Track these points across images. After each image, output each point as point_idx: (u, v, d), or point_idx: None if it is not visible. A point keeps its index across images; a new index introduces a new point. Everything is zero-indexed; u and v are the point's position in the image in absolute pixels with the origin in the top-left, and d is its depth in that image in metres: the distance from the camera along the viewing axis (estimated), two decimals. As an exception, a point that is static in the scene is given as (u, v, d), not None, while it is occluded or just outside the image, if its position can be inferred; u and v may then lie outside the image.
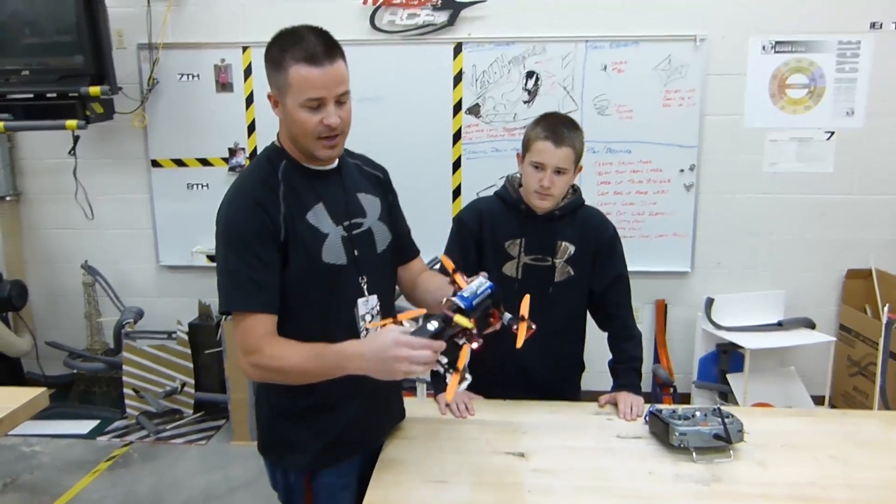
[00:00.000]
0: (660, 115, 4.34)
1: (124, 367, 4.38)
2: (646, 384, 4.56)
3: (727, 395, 4.41)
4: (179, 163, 4.57)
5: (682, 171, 4.39)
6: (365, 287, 1.91)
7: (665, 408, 2.11)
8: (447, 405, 2.31)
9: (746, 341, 4.20)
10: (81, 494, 3.73)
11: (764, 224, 4.46)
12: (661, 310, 4.59)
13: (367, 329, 1.91)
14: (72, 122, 4.09)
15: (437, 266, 2.49)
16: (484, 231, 2.44)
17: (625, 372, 2.45)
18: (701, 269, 4.53)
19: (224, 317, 1.90)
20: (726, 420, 1.98)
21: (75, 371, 4.60)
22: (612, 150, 4.40)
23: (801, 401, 4.38)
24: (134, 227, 4.67)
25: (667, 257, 4.51)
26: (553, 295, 2.43)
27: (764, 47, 4.26)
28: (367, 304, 1.91)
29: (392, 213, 2.08)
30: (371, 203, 1.98)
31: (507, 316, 1.85)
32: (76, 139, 4.33)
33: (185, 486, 3.80)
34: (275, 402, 1.94)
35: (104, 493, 3.73)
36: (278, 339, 1.78)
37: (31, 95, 4.16)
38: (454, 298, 1.72)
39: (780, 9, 4.21)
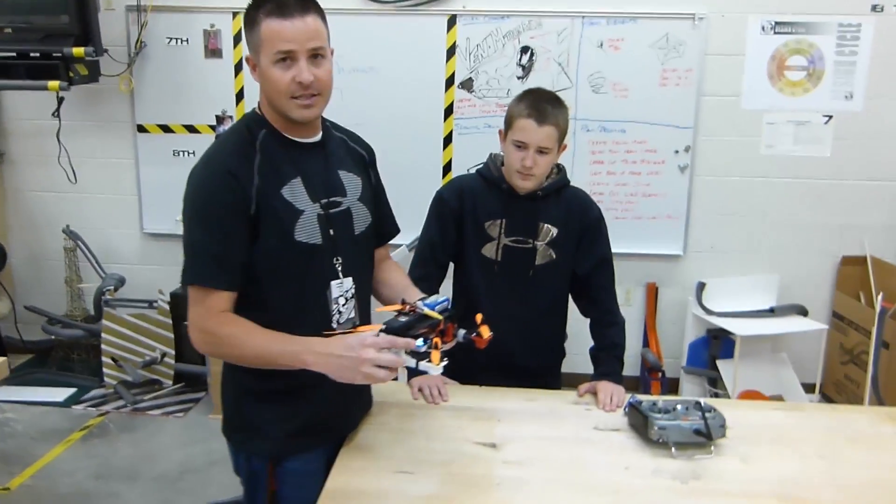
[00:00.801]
0: (656, 95, 4.17)
1: (103, 335, 4.24)
2: (634, 368, 4.47)
3: (716, 382, 4.28)
4: (166, 129, 4.40)
5: (676, 151, 4.23)
6: (340, 269, 1.79)
7: (645, 399, 1.99)
8: (419, 390, 2.19)
9: (737, 327, 4.05)
10: (53, 464, 3.60)
11: (759, 208, 4.31)
12: (652, 293, 4.45)
13: (339, 312, 1.80)
14: (54, 83, 3.92)
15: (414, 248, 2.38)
16: (465, 209, 2.31)
17: (606, 359, 2.33)
18: (693, 252, 4.38)
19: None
20: (707, 415, 1.86)
21: (54, 337, 4.47)
22: (607, 130, 4.23)
23: (791, 388, 4.25)
24: (118, 193, 4.50)
25: (659, 239, 4.36)
26: (533, 278, 2.31)
27: (763, 27, 4.08)
28: (342, 287, 1.80)
29: (375, 195, 1.96)
30: (352, 182, 1.86)
31: (462, 332, 1.77)
32: (60, 101, 4.16)
33: (161, 458, 3.68)
34: (241, 382, 1.82)
35: (76, 464, 3.60)
36: (236, 318, 1.68)
37: (14, 54, 3.98)
38: (417, 303, 1.68)
39: (781, -12, 4.05)
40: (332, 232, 1.77)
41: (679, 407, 1.92)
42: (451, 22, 4.16)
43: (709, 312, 4.23)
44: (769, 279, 4.34)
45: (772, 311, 4.25)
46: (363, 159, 1.95)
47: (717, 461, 1.82)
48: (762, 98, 4.17)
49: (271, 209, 1.68)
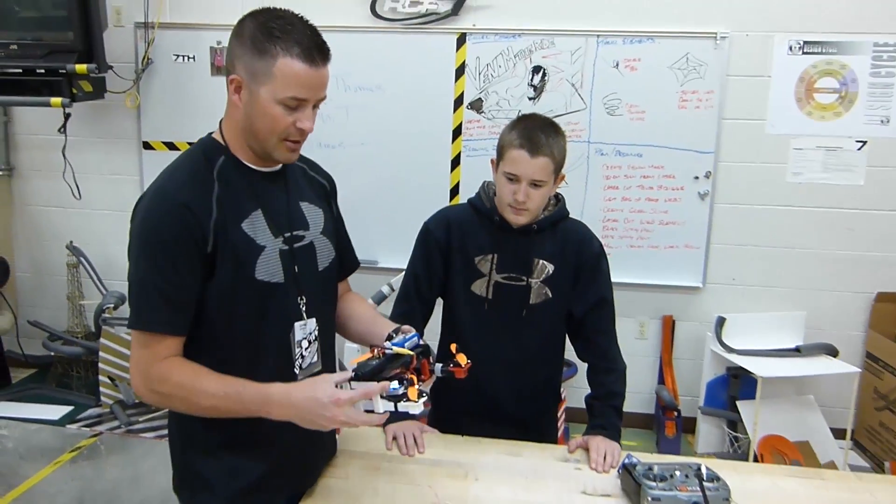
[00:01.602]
0: (674, 118, 3.88)
1: (101, 353, 4.09)
2: (649, 406, 4.15)
3: (736, 424, 3.93)
4: (171, 146, 4.27)
5: (696, 178, 3.93)
6: (303, 309, 1.61)
7: (641, 461, 1.72)
8: (394, 439, 1.95)
9: (759, 368, 3.68)
10: (38, 486, 3.45)
11: (784, 238, 3.96)
12: (669, 326, 4.12)
13: (302, 356, 1.61)
14: (56, 100, 3.84)
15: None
16: (452, 242, 2.08)
17: (602, 410, 2.06)
18: (713, 284, 4.05)
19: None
20: (708, 485, 1.60)
21: (53, 353, 4.35)
22: (622, 153, 3.95)
23: (819, 434, 3.86)
24: (123, 210, 4.22)
25: (677, 270, 4.04)
26: (526, 318, 2.06)
27: (791, 47, 3.77)
28: (305, 329, 1.62)
29: (336, 227, 1.79)
30: (314, 214, 1.69)
31: (439, 366, 1.60)
32: (67, 116, 4.07)
33: (145, 483, 3.49)
34: (187, 432, 1.61)
35: (60, 487, 3.44)
36: (186, 364, 1.50)
37: (20, 70, 3.90)
38: (385, 344, 1.52)
39: (810, 6, 3.73)
40: (296, 269, 1.59)
41: (678, 473, 1.65)
42: (461, 40, 3.96)
43: (728, 350, 3.88)
44: (795, 316, 3.98)
45: (797, 351, 3.88)
46: (324, 189, 1.78)
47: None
48: (789, 122, 3.85)
49: (230, 245, 1.49)
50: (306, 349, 1.62)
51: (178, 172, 1.52)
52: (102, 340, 4.09)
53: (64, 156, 4.16)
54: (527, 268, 2.05)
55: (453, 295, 2.12)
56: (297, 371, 1.61)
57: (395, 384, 1.44)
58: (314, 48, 1.46)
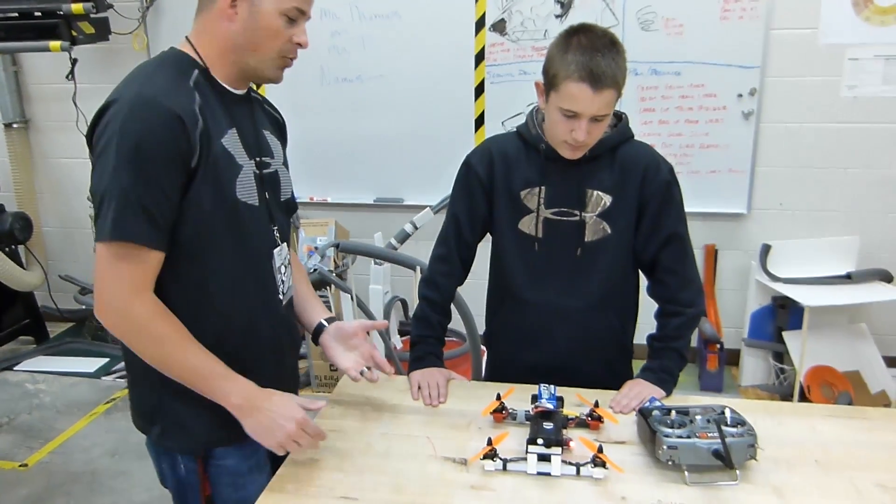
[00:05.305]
0: (716, 31, 3.38)
1: (129, 304, 3.87)
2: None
3: (782, 356, 3.57)
4: (184, 87, 3.91)
5: (740, 96, 3.45)
6: (277, 236, 1.49)
7: (658, 406, 1.49)
8: (419, 389, 1.73)
9: (805, 296, 3.29)
10: (73, 439, 3.29)
11: (838, 159, 3.49)
12: (711, 256, 3.72)
13: (283, 282, 1.51)
14: (55, 44, 3.48)
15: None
16: (495, 177, 1.73)
17: (659, 352, 1.74)
18: (759, 210, 3.62)
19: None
20: (731, 431, 1.37)
21: (85, 307, 4.14)
22: (658, 72, 3.48)
23: (870, 363, 3.50)
24: (140, 157, 4.06)
25: (720, 196, 3.61)
26: (583, 259, 1.71)
27: (848, -57, 3.21)
28: (281, 255, 1.51)
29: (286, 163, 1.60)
30: (275, 145, 1.54)
31: None
32: (74, 62, 3.73)
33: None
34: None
35: (95, 440, 3.28)
36: (172, 317, 1.32)
37: (17, 14, 3.54)
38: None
39: None
40: (266, 195, 1.45)
41: (699, 418, 1.42)
42: (480, -44, 3.47)
43: (774, 279, 3.48)
44: (847, 241, 3.54)
45: (849, 278, 3.46)
46: (279, 124, 1.61)
47: (742, 491, 1.32)
48: (844, 30, 3.32)
49: (212, 160, 1.31)
50: (284, 275, 1.52)
51: (155, 78, 1.30)
52: (130, 291, 3.86)
53: (75, 104, 3.82)
54: (579, 200, 1.68)
55: (499, 236, 1.79)
56: (280, 297, 1.51)
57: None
58: None
